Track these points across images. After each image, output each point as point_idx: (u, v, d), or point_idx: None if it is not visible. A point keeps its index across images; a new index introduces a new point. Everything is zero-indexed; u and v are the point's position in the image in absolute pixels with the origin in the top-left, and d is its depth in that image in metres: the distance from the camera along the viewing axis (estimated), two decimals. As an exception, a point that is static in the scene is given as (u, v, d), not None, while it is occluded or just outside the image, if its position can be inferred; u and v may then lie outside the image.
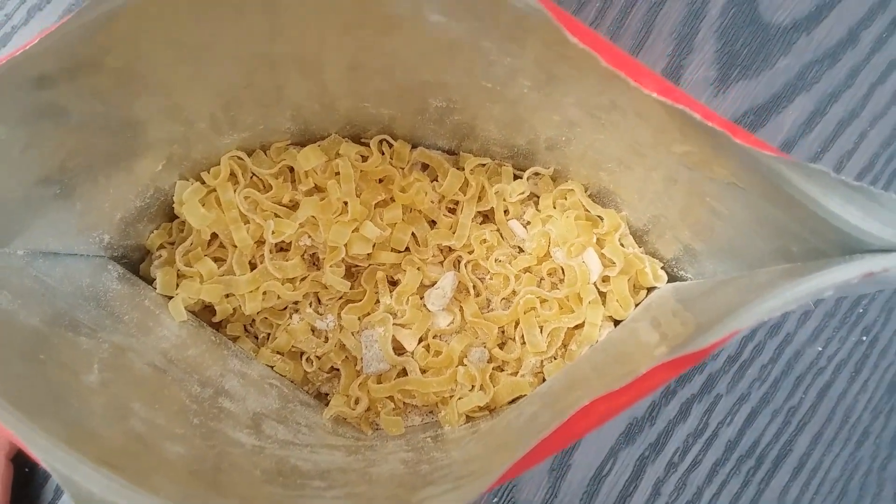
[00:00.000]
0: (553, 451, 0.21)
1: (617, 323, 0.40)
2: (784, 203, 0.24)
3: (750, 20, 0.52)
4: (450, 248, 0.42)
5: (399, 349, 0.41)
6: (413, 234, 0.41)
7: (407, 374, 0.41)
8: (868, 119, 0.52)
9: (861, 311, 0.52)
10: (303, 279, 0.40)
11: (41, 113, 0.28)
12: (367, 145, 0.41)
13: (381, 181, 0.41)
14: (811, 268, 0.23)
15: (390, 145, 0.41)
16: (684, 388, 0.51)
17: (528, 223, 0.42)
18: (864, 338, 0.52)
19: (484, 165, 0.42)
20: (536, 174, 0.42)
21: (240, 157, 0.39)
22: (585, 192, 0.41)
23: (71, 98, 0.28)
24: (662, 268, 0.40)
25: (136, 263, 0.41)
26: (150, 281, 0.40)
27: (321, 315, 0.41)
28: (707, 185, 0.29)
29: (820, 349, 0.52)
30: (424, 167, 0.43)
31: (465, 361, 0.40)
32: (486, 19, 0.26)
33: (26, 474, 0.47)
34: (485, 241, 0.41)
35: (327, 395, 0.42)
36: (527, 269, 0.41)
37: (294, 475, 0.29)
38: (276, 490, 0.26)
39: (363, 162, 0.40)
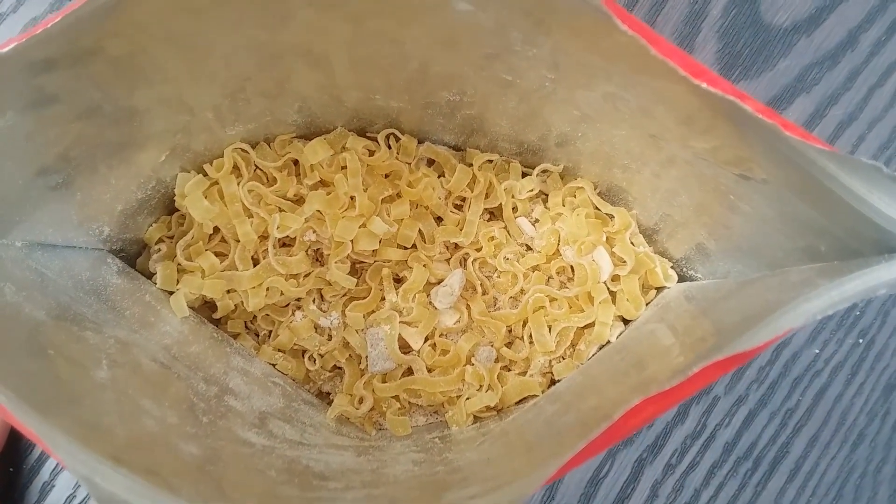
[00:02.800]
0: (595, 452, 0.21)
1: (626, 322, 0.40)
2: (820, 199, 0.23)
3: (751, 21, 0.52)
4: (456, 245, 0.41)
5: (405, 347, 0.40)
6: (420, 230, 0.40)
7: (412, 374, 0.40)
8: (866, 122, 0.53)
9: (858, 313, 0.53)
10: (307, 275, 0.39)
11: (46, 99, 0.27)
12: (373, 139, 0.40)
13: (387, 176, 0.40)
14: (851, 266, 0.22)
15: (397, 139, 0.41)
16: (683, 390, 0.51)
17: (537, 221, 0.42)
18: (861, 340, 0.52)
19: (491, 162, 0.41)
20: (545, 171, 0.41)
21: (244, 150, 0.38)
22: (595, 189, 0.40)
23: (75, 85, 0.27)
24: (672, 267, 0.39)
25: (133, 258, 0.40)
26: (148, 275, 0.39)
27: (325, 312, 0.40)
28: (731, 182, 0.29)
29: (817, 351, 0.52)
30: (430, 163, 0.42)
31: (472, 361, 0.39)
32: (515, 8, 0.25)
33: (11, 474, 0.45)
34: (493, 238, 0.40)
35: (329, 394, 0.41)
36: (535, 268, 0.41)
37: (308, 476, 0.28)
38: (292, 492, 0.25)
39: (370, 156, 0.39)
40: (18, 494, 0.46)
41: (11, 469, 0.46)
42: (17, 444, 0.46)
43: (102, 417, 0.23)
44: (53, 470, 0.46)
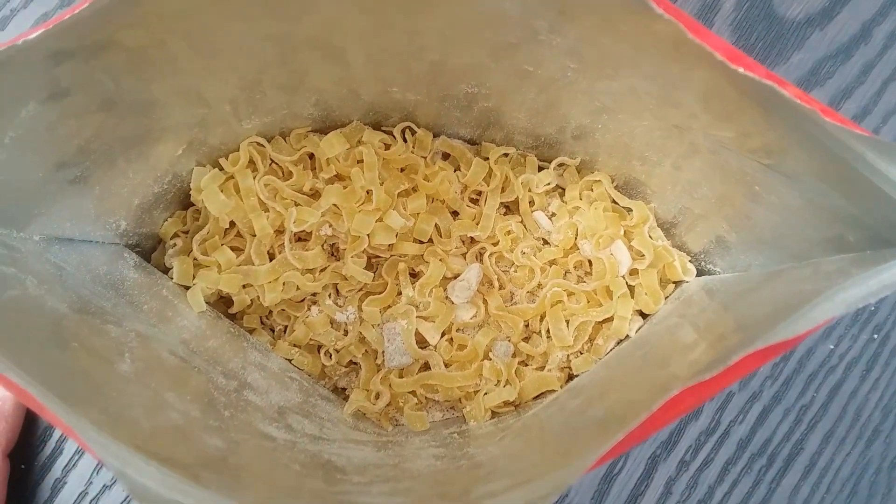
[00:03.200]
0: (630, 445, 0.21)
1: (644, 316, 0.39)
2: (853, 188, 0.23)
3: (764, 14, 0.52)
4: (473, 239, 0.41)
5: (421, 342, 0.40)
6: (436, 224, 0.40)
7: (429, 369, 0.39)
8: (881, 115, 0.52)
9: (872, 308, 0.52)
10: (323, 270, 0.39)
11: (66, 90, 0.27)
12: (389, 133, 0.40)
13: (402, 170, 0.40)
14: (885, 256, 0.22)
15: (413, 133, 0.40)
16: (696, 386, 0.51)
17: (554, 214, 0.41)
18: (876, 336, 0.52)
19: (507, 155, 0.41)
20: (562, 165, 0.41)
21: (260, 144, 0.38)
22: (612, 183, 0.40)
23: (93, 76, 0.27)
24: (690, 261, 0.39)
25: (148, 253, 0.39)
26: (163, 270, 0.39)
27: (341, 307, 0.40)
28: (757, 171, 0.28)
29: (832, 347, 0.52)
30: (445, 157, 0.42)
31: (489, 356, 0.39)
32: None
33: (22, 471, 0.45)
34: (510, 232, 0.40)
35: (345, 389, 0.41)
36: (552, 262, 0.40)
37: (331, 470, 0.28)
38: (318, 485, 0.25)
39: (386, 150, 0.39)
40: (30, 491, 0.46)
41: (23, 466, 0.45)
42: (28, 440, 0.46)
43: (127, 410, 0.22)
44: (65, 467, 0.46)
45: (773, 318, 0.22)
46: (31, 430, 0.46)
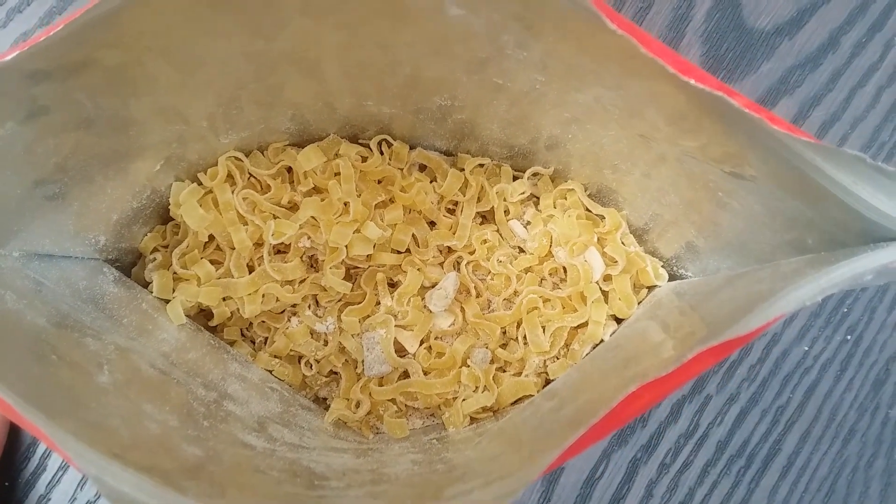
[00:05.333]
0: (594, 440, 0.21)
1: (619, 321, 0.40)
2: (807, 193, 0.24)
3: (734, 25, 0.53)
4: (450, 249, 0.42)
5: (400, 351, 0.40)
6: (413, 235, 0.41)
7: (409, 377, 0.40)
8: (849, 122, 0.54)
9: (845, 310, 0.53)
10: (302, 281, 0.40)
11: (43, 109, 0.27)
12: (366, 146, 0.41)
13: (379, 182, 0.41)
14: (838, 256, 0.23)
15: (389, 145, 0.41)
16: (675, 390, 0.52)
17: (529, 223, 0.42)
18: (849, 337, 0.53)
19: (482, 166, 0.42)
20: (536, 174, 0.42)
21: (238, 158, 0.39)
22: (585, 191, 0.41)
23: (69, 96, 0.28)
24: (662, 266, 0.40)
25: (128, 268, 0.40)
26: (143, 285, 0.39)
27: (320, 318, 0.40)
28: (720, 179, 0.29)
29: (806, 349, 0.53)
30: (422, 168, 0.43)
31: (467, 362, 0.40)
32: (506, 11, 0.25)
33: (6, 488, 0.45)
34: (486, 241, 0.41)
35: (325, 399, 0.42)
36: (528, 269, 0.41)
37: (309, 476, 0.28)
38: (296, 490, 0.26)
39: (363, 162, 0.40)
40: (15, 508, 0.46)
41: (7, 483, 0.45)
42: (12, 458, 0.46)
43: (106, 420, 0.23)
44: (49, 483, 0.46)
45: (733, 316, 0.23)
46: (14, 447, 0.46)
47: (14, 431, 0.46)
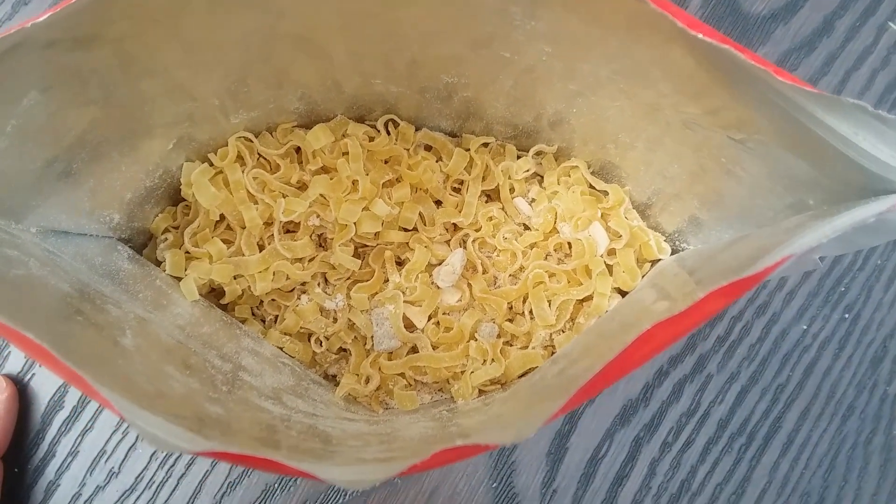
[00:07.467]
0: (606, 384, 0.22)
1: (623, 295, 0.41)
2: (809, 148, 0.25)
3: (730, 10, 0.54)
4: (456, 226, 0.42)
5: (409, 326, 0.41)
6: (420, 213, 0.41)
7: (417, 351, 0.41)
8: (844, 105, 0.54)
9: (843, 289, 0.54)
10: (311, 259, 0.40)
11: (61, 81, 0.28)
12: (372, 126, 0.42)
13: (386, 162, 0.42)
14: (840, 209, 0.24)
15: (396, 126, 0.42)
16: (676, 369, 0.52)
17: (533, 200, 0.43)
18: (847, 315, 0.54)
19: (487, 145, 0.43)
20: (540, 153, 0.42)
21: (247, 139, 0.39)
22: (588, 168, 0.41)
23: (85, 66, 0.28)
24: (665, 241, 0.41)
25: (139, 248, 0.40)
26: (156, 265, 0.40)
27: (330, 295, 0.41)
28: (724, 146, 0.30)
29: (805, 327, 0.54)
30: (427, 149, 0.43)
31: (475, 336, 0.40)
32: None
33: (16, 474, 0.46)
34: (492, 218, 0.42)
35: (335, 376, 0.42)
36: (533, 245, 0.42)
37: (327, 437, 0.29)
38: (316, 445, 0.26)
39: (370, 142, 0.41)
40: (24, 494, 0.46)
41: (16, 469, 0.46)
42: (21, 444, 0.46)
43: (133, 376, 0.23)
44: (59, 469, 0.46)
45: (735, 270, 0.24)
46: (23, 433, 0.46)
47: (23, 418, 0.46)
